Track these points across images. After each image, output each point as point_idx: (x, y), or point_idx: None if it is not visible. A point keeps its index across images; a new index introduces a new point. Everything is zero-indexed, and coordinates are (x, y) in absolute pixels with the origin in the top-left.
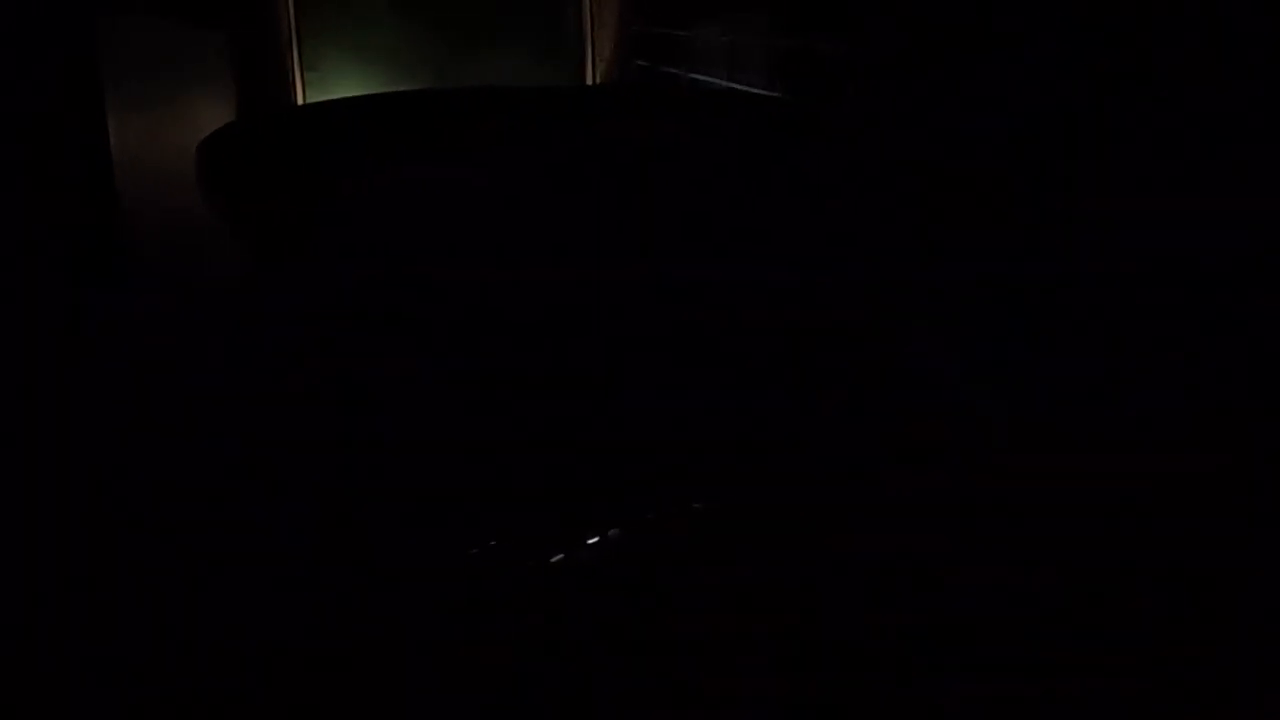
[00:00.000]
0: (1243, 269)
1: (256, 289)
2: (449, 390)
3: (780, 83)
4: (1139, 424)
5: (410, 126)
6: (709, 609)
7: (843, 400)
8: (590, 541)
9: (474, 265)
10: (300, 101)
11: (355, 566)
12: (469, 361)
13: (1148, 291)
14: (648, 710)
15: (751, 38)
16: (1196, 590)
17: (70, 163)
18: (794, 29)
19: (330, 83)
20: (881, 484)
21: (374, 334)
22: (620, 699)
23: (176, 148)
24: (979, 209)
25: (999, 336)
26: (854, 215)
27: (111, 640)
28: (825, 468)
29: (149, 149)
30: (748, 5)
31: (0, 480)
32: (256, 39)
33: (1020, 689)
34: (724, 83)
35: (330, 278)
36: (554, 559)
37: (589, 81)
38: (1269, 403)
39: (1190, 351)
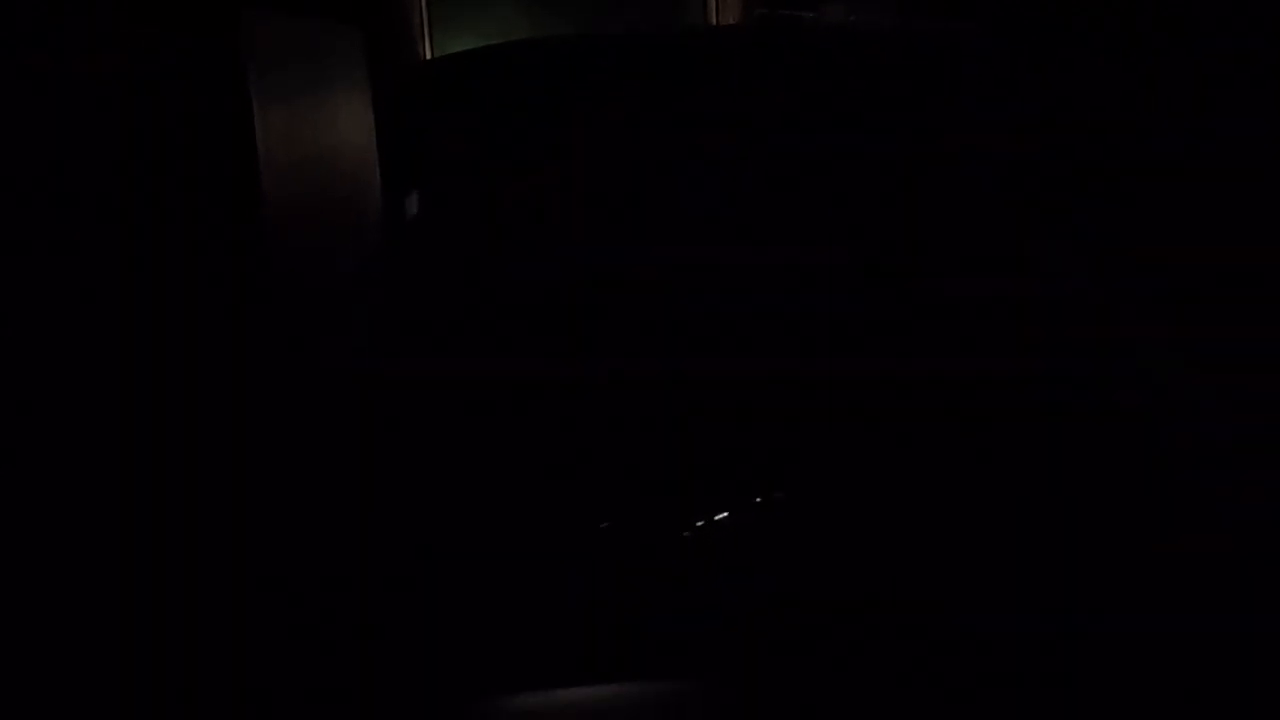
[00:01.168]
0: None
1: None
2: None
3: None
4: None
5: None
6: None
7: None
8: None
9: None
10: None
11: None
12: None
13: None
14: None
15: (878, 20)
16: None
17: (219, 160)
18: (922, 11)
19: None
20: None
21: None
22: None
23: (316, 139)
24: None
25: None
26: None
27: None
28: None
29: (291, 141)
30: None
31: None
32: (389, 31)
33: None
34: None
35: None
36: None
37: None
38: None
39: None
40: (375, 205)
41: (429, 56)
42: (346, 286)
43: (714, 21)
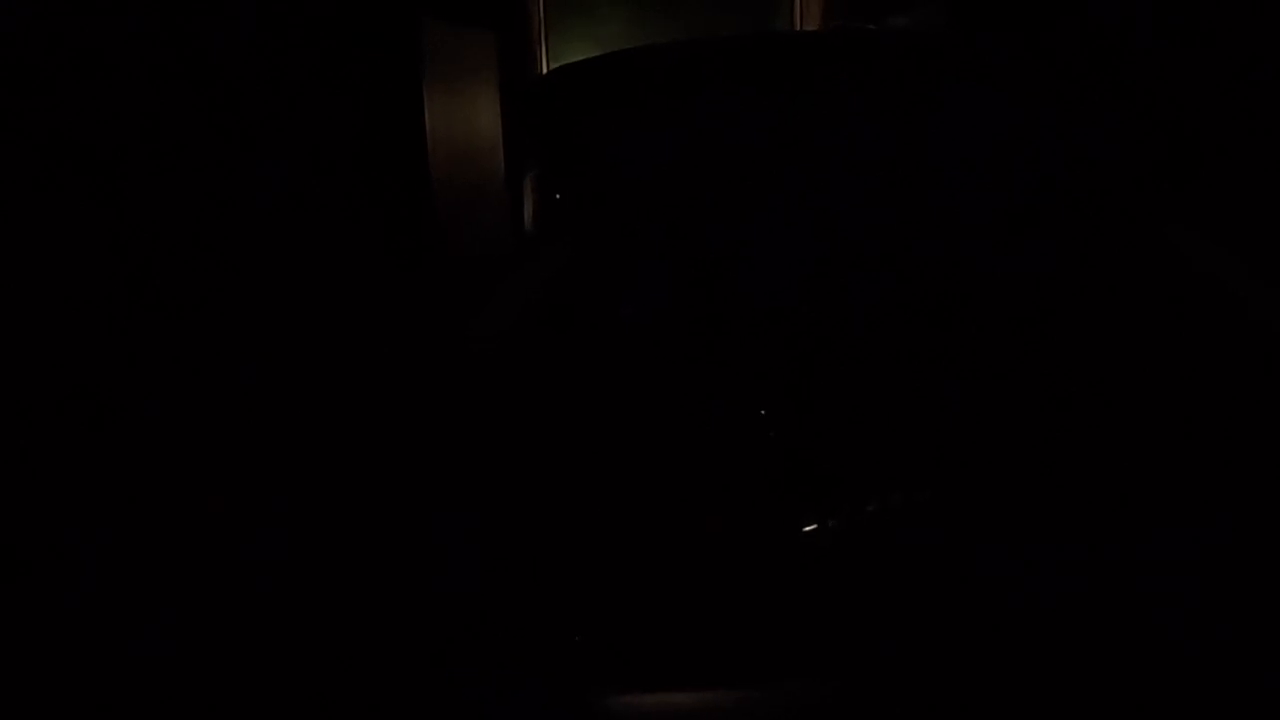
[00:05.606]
0: None
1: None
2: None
3: None
4: None
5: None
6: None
7: None
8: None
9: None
10: None
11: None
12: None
13: None
14: None
15: (933, 29)
16: None
17: (394, 148)
18: (976, 21)
19: None
20: None
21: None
22: None
23: (461, 127)
24: None
25: None
26: None
27: None
28: None
29: (447, 128)
30: None
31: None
32: (512, 37)
33: None
34: None
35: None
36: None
37: None
38: None
39: None
40: (501, 187)
41: (545, 59)
42: (484, 252)
43: (798, 28)
